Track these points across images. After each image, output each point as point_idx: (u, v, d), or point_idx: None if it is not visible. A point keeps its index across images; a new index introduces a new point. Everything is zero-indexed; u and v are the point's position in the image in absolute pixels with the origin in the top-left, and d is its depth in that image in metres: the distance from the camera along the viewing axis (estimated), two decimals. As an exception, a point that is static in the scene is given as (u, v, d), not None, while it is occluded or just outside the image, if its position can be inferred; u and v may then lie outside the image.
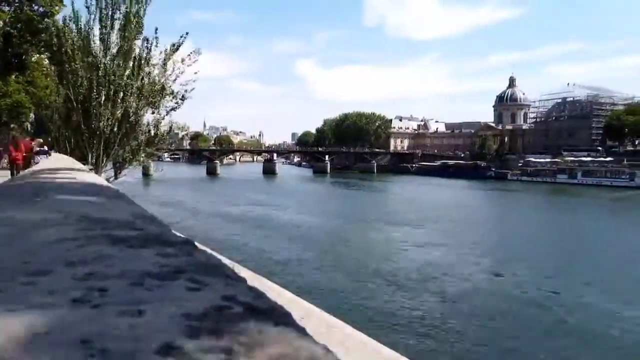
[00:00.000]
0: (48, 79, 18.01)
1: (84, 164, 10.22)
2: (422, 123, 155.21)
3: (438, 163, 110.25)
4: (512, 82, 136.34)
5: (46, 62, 18.25)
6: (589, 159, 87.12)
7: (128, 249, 1.04)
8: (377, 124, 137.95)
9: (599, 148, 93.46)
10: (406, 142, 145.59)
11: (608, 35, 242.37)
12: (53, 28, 12.96)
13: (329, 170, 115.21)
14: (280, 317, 0.62)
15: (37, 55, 18.96)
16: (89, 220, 1.48)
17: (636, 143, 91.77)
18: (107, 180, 10.94)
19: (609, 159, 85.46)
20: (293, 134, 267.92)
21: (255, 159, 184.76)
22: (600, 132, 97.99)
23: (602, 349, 13.73)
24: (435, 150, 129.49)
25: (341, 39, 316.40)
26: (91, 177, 4.70)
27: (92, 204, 2.10)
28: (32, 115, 28.52)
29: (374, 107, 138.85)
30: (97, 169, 12.45)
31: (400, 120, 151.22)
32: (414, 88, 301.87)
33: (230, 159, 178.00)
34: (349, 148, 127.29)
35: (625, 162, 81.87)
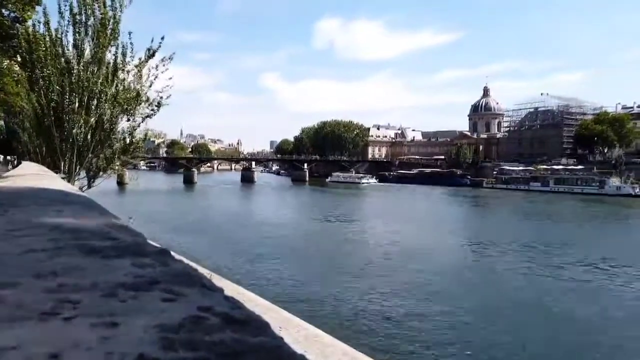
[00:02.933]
0: (19, 85, 17.56)
1: (56, 172, 9.97)
2: (400, 131, 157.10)
3: (415, 171, 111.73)
4: (486, 92, 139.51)
5: (17, 67, 17.79)
6: (560, 167, 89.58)
7: (101, 260, 1.02)
8: (355, 132, 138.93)
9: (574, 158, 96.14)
10: (384, 150, 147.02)
11: (542, 56, 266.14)
12: (23, 33, 12.65)
13: (307, 178, 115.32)
14: (258, 327, 0.62)
15: (7, 61, 18.46)
16: (61, 230, 1.44)
17: (605, 151, 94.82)
18: (80, 189, 10.68)
19: (579, 167, 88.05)
20: (272, 142, 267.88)
21: (233, 167, 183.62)
22: (571, 140, 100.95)
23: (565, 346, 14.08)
24: (413, 159, 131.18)
25: (298, 57, 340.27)
26: (63, 186, 4.58)
27: (64, 213, 2.04)
28: (1, 122, 27.73)
29: (342, 117, 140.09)
30: (69, 177, 12.15)
31: (378, 128, 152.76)
32: (375, 101, 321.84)
33: (208, 167, 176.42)
34: (327, 156, 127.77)
35: (595, 170, 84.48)
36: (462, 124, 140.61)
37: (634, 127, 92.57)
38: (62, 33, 12.29)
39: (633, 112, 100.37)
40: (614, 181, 78.39)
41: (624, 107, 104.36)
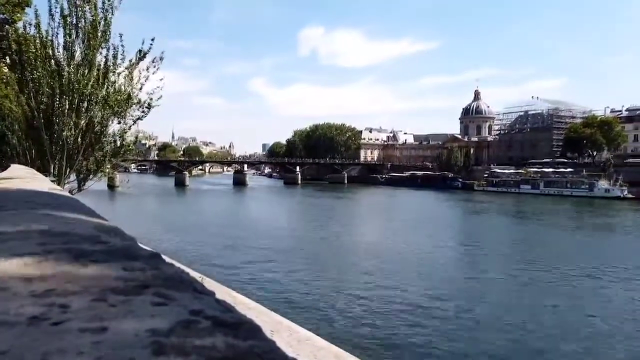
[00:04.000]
0: (8, 87, 17.37)
1: (45, 176, 9.87)
2: (392, 134, 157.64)
3: (407, 174, 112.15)
4: (477, 95, 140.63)
5: (6, 69, 17.61)
6: (550, 169, 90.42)
7: (91, 264, 1.01)
8: (347, 135, 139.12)
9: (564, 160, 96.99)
10: (376, 153, 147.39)
11: (518, 64, 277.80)
12: (13, 34, 12.52)
13: (299, 181, 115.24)
14: (249, 331, 0.62)
15: (-3, 63, 18.28)
16: (50, 234, 1.42)
17: (594, 154, 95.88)
18: (70, 192, 10.58)
19: (569, 169, 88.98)
20: (264, 145, 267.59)
21: (225, 170, 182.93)
22: (561, 143, 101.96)
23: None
24: (405, 161, 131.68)
25: (284, 63, 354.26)
26: (53, 189, 4.54)
27: (53, 216, 2.02)
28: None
29: (331, 121, 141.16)
30: (59, 180, 12.03)
31: (370, 131, 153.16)
32: (361, 105, 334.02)
33: (200, 170, 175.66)
34: (319, 159, 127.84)
35: (584, 172, 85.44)
36: (452, 128, 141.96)
37: (622, 131, 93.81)
38: (52, 35, 12.20)
39: (621, 115, 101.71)
40: (603, 184, 79.29)
41: (612, 111, 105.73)
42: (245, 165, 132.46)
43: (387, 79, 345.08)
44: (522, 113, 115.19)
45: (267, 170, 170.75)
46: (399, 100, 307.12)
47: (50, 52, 12.20)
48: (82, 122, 12.37)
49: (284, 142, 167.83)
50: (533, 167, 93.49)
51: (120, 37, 12.48)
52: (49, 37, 12.18)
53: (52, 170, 12.25)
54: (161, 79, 12.98)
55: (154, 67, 12.72)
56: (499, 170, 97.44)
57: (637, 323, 16.84)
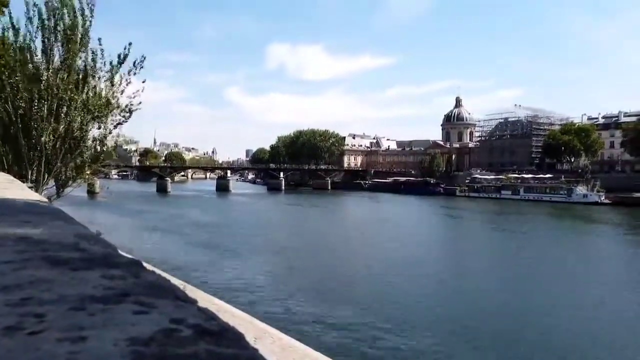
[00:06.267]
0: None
1: (23, 182, 9.65)
2: (375, 141, 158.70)
3: (390, 180, 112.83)
4: (458, 102, 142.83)
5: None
6: (529, 175, 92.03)
7: (70, 272, 0.99)
8: (330, 141, 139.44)
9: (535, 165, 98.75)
10: (359, 159, 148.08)
11: (477, 76, 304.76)
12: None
13: (283, 187, 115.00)
14: (232, 339, 0.61)
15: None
16: (27, 242, 1.39)
17: (572, 161, 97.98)
18: (49, 198, 10.36)
19: (548, 175, 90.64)
20: (247, 151, 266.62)
21: (208, 176, 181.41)
22: (540, 150, 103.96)
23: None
24: (388, 167, 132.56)
25: (255, 75, 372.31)
26: (30, 195, 4.44)
27: (31, 224, 1.98)
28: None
29: (309, 127, 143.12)
30: (37, 187, 11.77)
31: (354, 137, 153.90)
32: (336, 114, 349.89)
33: (183, 176, 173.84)
34: (303, 165, 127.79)
35: (563, 178, 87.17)
36: (433, 134, 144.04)
37: (598, 138, 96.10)
38: (30, 39, 11.99)
39: (598, 122, 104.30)
40: (581, 189, 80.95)
41: (589, 118, 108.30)
42: (229, 171, 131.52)
43: (355, 90, 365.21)
44: (502, 120, 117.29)
45: (250, 176, 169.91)
46: (369, 109, 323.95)
47: (29, 56, 11.99)
48: (61, 127, 12.15)
49: (267, 148, 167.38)
50: (513, 173, 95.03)
51: (100, 41, 12.32)
52: (27, 41, 11.97)
53: (29, 177, 11.99)
54: (143, 81, 12.86)
55: (135, 70, 12.58)
56: (480, 176, 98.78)
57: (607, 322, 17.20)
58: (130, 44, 12.70)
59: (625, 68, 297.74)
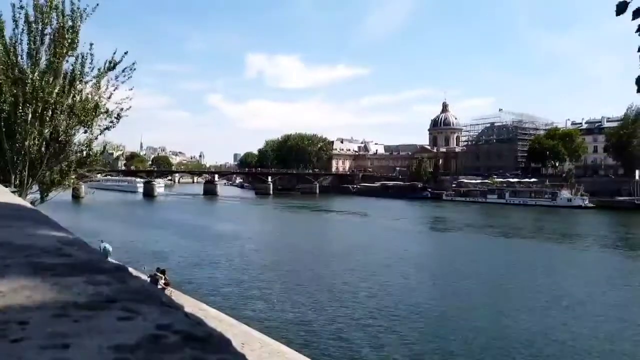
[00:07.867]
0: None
1: (6, 186, 9.49)
2: (363, 145, 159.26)
3: (378, 184, 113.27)
4: (445, 108, 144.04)
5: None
6: (515, 180, 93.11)
7: (53, 278, 0.97)
8: (319, 145, 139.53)
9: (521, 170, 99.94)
10: (347, 164, 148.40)
11: (449, 85, 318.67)
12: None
13: (271, 191, 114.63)
14: (219, 345, 0.60)
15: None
16: (9, 247, 1.37)
17: (556, 165, 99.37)
18: (32, 203, 10.19)
19: (533, 180, 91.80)
20: (235, 155, 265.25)
21: (195, 180, 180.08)
22: (525, 154, 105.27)
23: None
24: (376, 172, 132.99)
25: (235, 83, 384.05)
26: (14, 200, 4.36)
27: (14, 229, 1.94)
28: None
29: (296, 131, 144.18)
30: (21, 191, 11.59)
31: (342, 142, 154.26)
32: (317, 119, 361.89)
33: (169, 180, 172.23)
34: (291, 169, 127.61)
35: (547, 183, 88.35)
36: (417, 141, 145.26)
37: (582, 142, 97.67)
38: (16, 42, 11.83)
39: (582, 127, 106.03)
40: (565, 193, 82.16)
41: (573, 123, 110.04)
42: (217, 176, 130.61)
43: (332, 98, 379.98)
44: (488, 125, 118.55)
45: (238, 180, 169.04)
46: (349, 116, 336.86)
47: (14, 59, 11.82)
48: (46, 131, 12.00)
49: (255, 152, 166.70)
50: (499, 178, 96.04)
51: (90, 46, 12.22)
52: (13, 44, 11.81)
53: (13, 181, 11.80)
54: (131, 89, 12.78)
55: (124, 76, 12.50)
56: (466, 181, 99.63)
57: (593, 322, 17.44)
58: (126, 52, 12.66)
59: (585, 79, 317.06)
